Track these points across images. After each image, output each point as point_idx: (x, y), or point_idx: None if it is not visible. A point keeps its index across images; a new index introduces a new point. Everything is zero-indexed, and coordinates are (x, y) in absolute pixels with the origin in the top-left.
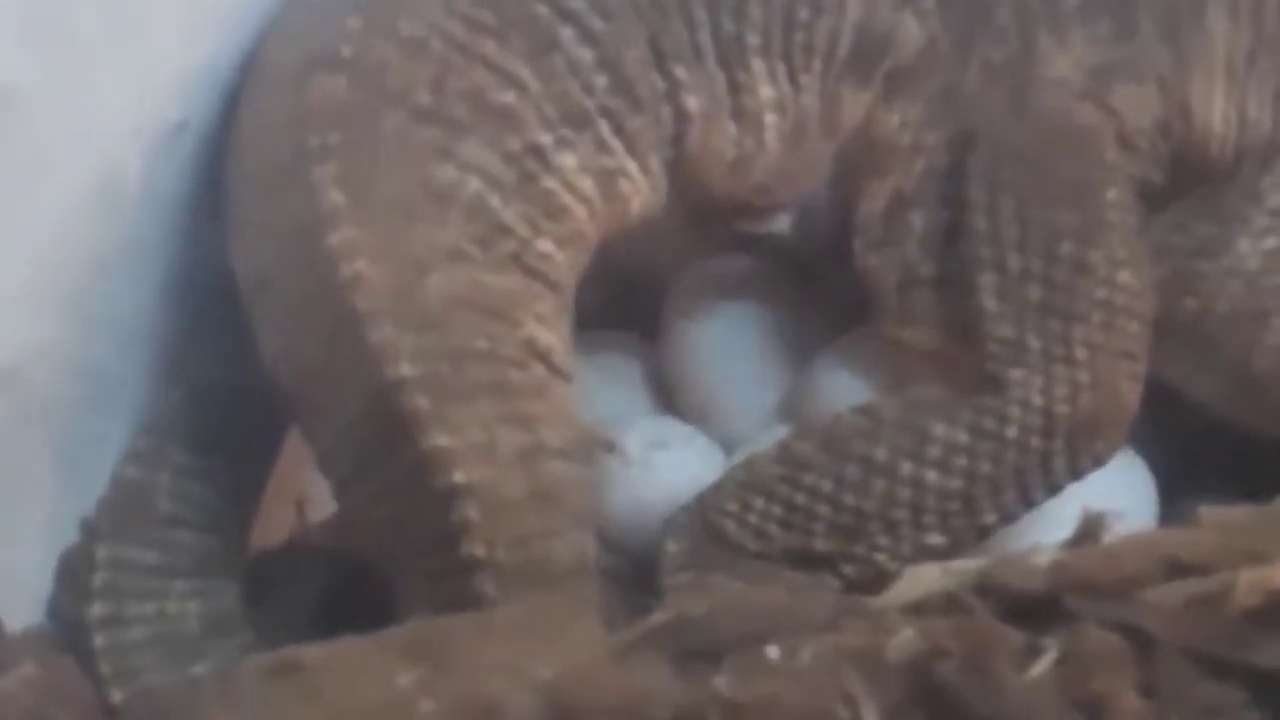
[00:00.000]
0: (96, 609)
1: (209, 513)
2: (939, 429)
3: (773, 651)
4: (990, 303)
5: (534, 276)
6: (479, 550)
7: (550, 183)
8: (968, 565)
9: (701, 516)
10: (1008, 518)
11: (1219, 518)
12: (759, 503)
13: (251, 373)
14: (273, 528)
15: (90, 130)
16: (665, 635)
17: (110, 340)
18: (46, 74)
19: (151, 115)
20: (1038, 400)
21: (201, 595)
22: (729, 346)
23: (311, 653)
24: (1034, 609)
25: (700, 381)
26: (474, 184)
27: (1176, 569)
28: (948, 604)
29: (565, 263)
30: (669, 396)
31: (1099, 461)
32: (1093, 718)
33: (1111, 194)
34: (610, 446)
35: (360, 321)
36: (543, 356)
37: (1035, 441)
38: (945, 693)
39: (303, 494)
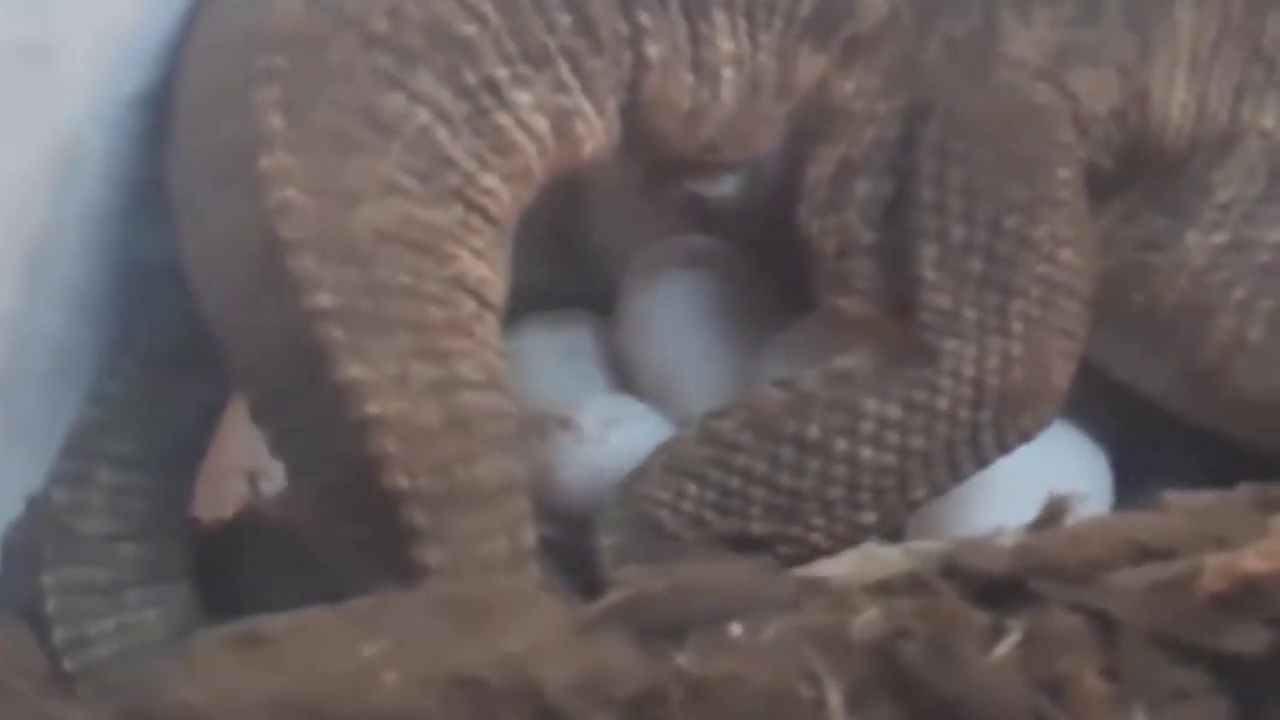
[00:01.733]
0: (58, 635)
1: (147, 521)
2: (870, 404)
3: (736, 629)
4: (929, 273)
5: (474, 210)
6: (401, 480)
7: (503, 119)
8: (932, 546)
9: (634, 507)
10: (937, 492)
11: (1184, 502)
12: (691, 489)
13: (198, 345)
14: (224, 500)
15: (49, 99)
16: (627, 611)
17: (67, 310)
18: (4, 42)
19: (109, 85)
20: (969, 370)
21: (157, 602)
22: (685, 324)
23: (273, 624)
24: (998, 591)
25: (656, 359)
26: (422, 116)
27: (1142, 553)
28: (912, 585)
29: (509, 199)
30: (625, 375)
31: (1025, 437)
32: (1056, 700)
33: (1062, 173)
34: (565, 423)
35: (283, 250)
36: (474, 290)
37: (964, 413)
38: (909, 673)
39: (255, 466)
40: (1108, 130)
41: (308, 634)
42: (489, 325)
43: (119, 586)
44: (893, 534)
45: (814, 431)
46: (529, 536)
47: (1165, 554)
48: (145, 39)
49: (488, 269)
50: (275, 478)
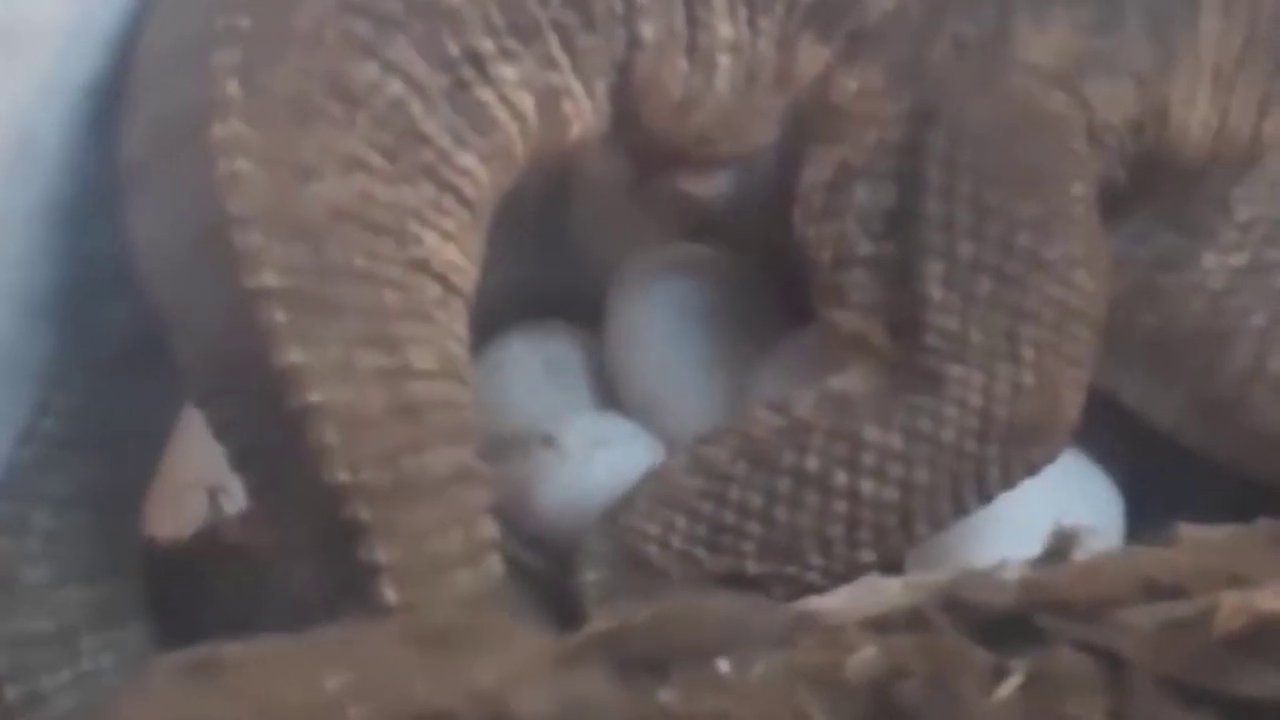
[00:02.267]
0: (10, 693)
1: (93, 563)
2: (872, 433)
3: (723, 665)
4: (934, 291)
5: (447, 190)
6: (342, 474)
7: (485, 94)
8: (932, 579)
9: (620, 541)
10: (938, 528)
11: (1199, 537)
12: (681, 523)
13: (151, 351)
14: (183, 517)
15: (10, 86)
16: (608, 643)
17: (13, 314)
18: None
19: (62, 75)
20: (976, 400)
21: (111, 646)
22: (675, 339)
23: (232, 651)
24: (1002, 628)
25: (644, 376)
26: (395, 87)
27: (1153, 589)
28: (911, 620)
29: (487, 181)
30: (612, 391)
31: (1033, 470)
32: None
33: (1076, 188)
34: (547, 442)
35: (230, 224)
36: (439, 275)
37: (970, 446)
38: (907, 714)
39: (216, 482)
40: (1122, 142)
41: (268, 663)
42: (454, 312)
43: (70, 635)
44: (892, 565)
45: (813, 463)
46: (487, 529)
47: (1178, 591)
48: (110, 26)
49: (457, 253)
50: (237, 494)
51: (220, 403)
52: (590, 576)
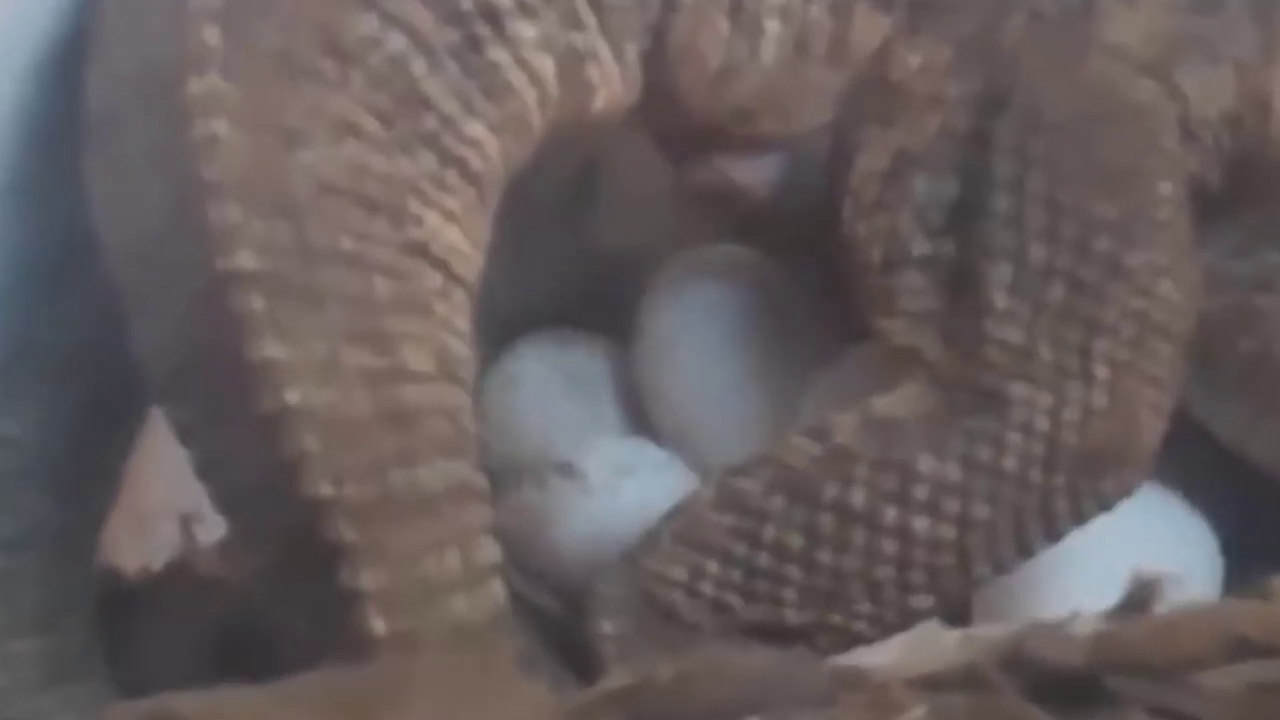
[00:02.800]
0: None
1: (43, 612)
2: (925, 463)
3: None
4: (999, 299)
5: (452, 163)
6: (323, 487)
7: (499, 54)
8: (993, 633)
9: (642, 588)
10: (1001, 570)
11: None
12: (712, 566)
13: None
14: (152, 548)
15: None
16: (625, 703)
17: None
18: None
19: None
20: (1042, 424)
21: (69, 705)
22: (714, 354)
23: (189, 703)
24: (1070, 689)
25: (678, 396)
26: (396, 42)
27: (1241, 648)
28: (967, 679)
29: (498, 154)
30: (641, 412)
31: (1106, 505)
32: None
33: (1164, 187)
34: (567, 470)
35: (203, 193)
36: (440, 260)
37: (1035, 476)
38: None
39: (189, 509)
40: (1218, 138)
41: (227, 714)
42: (455, 303)
43: (19, 691)
44: (956, 613)
45: (858, 497)
46: (488, 551)
47: (1270, 651)
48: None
49: (460, 236)
50: (213, 521)
51: (185, 401)
52: (607, 628)
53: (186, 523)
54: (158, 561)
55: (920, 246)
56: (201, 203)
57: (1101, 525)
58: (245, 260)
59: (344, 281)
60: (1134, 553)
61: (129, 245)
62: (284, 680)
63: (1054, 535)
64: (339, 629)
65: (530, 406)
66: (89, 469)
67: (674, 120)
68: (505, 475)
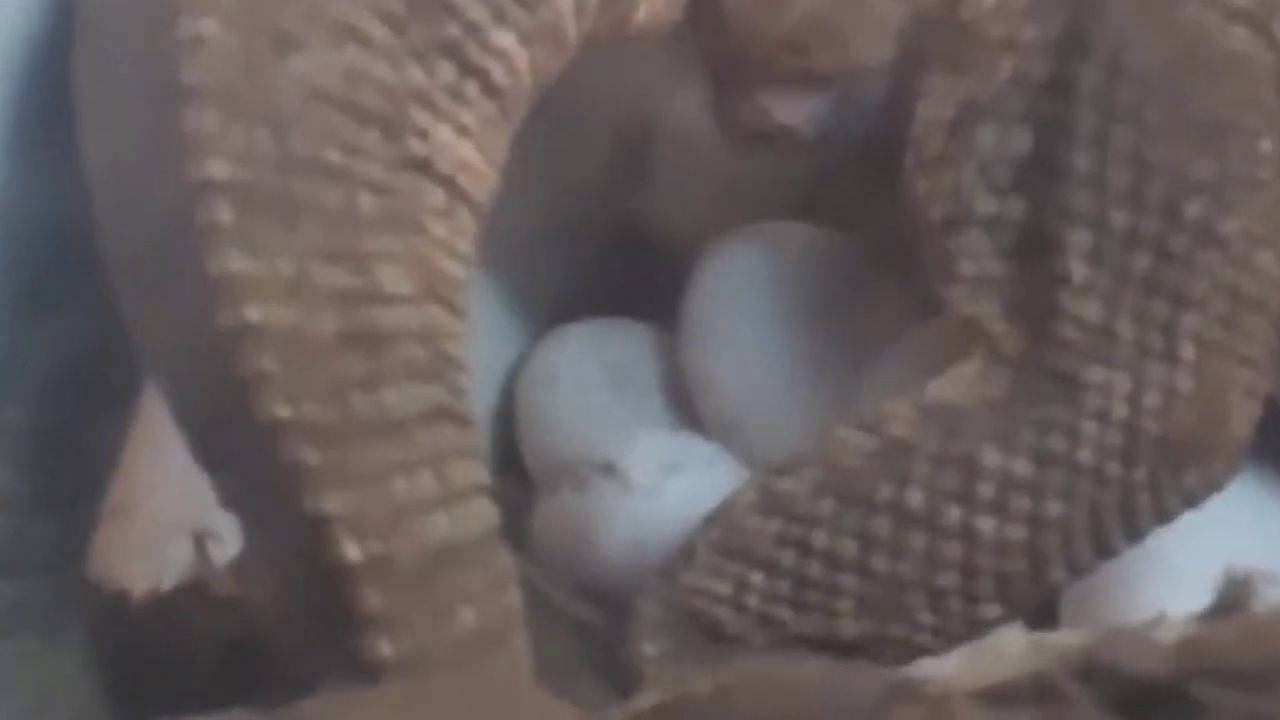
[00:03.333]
0: None
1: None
2: (991, 457)
3: None
4: (1077, 269)
5: (471, 75)
6: (280, 408)
7: None
8: (1067, 639)
9: (683, 606)
10: (1077, 574)
11: None
12: (758, 579)
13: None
14: (163, 566)
15: None
16: None
17: None
18: None
19: None
20: (1120, 411)
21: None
22: (767, 340)
23: None
24: (1153, 699)
25: (728, 385)
26: None
27: None
28: (1038, 690)
29: (525, 67)
30: (689, 405)
31: (1192, 501)
32: None
33: (1264, 145)
34: (609, 469)
35: (182, 97)
36: (446, 177)
37: (1114, 469)
38: None
39: (203, 525)
40: None
41: None
42: (458, 223)
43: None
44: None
45: (916, 497)
46: (468, 471)
47: None
48: None
49: (474, 152)
50: (229, 539)
51: (148, 315)
52: (649, 650)
53: (200, 540)
54: (169, 581)
55: (985, 204)
56: (180, 106)
57: (1191, 520)
58: (217, 170)
59: (323, 196)
60: (1227, 549)
61: (106, 154)
62: (291, 706)
63: (1135, 534)
64: (312, 566)
65: (570, 402)
66: (83, 494)
67: (720, 44)
68: (543, 477)
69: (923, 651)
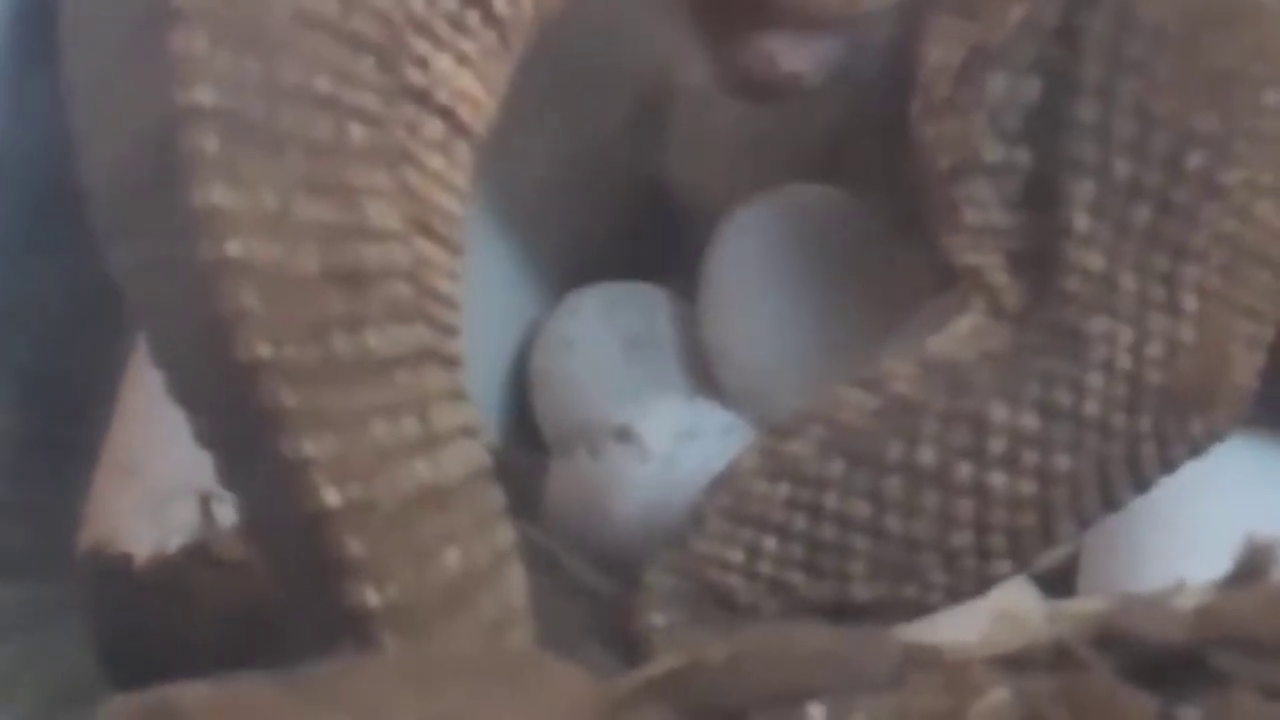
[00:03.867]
0: None
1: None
2: (999, 412)
3: (816, 713)
4: (1081, 220)
5: (473, 2)
6: (260, 347)
7: None
8: (1085, 606)
9: (694, 574)
10: (1084, 525)
11: None
12: (770, 544)
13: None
14: (169, 528)
15: None
16: (674, 687)
17: None
18: None
19: None
20: (1124, 362)
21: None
22: (786, 306)
23: (194, 695)
24: (1171, 666)
25: (746, 352)
26: None
27: None
28: (1056, 657)
29: None
30: (707, 372)
31: (1196, 450)
32: None
33: (1271, 97)
34: (624, 435)
35: (169, 18)
36: (444, 108)
37: (1119, 420)
38: None
39: (209, 488)
40: None
41: (235, 710)
42: (456, 156)
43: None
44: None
45: (927, 454)
46: (456, 414)
47: None
48: None
49: (473, 81)
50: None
51: (126, 247)
52: (659, 620)
53: (205, 503)
54: (173, 545)
55: (992, 153)
56: (166, 29)
57: (1207, 486)
58: (204, 96)
59: (311, 126)
60: (1243, 515)
61: (88, 78)
62: (297, 672)
63: (1141, 484)
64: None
65: (586, 368)
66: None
67: None
68: (558, 442)
69: (933, 611)
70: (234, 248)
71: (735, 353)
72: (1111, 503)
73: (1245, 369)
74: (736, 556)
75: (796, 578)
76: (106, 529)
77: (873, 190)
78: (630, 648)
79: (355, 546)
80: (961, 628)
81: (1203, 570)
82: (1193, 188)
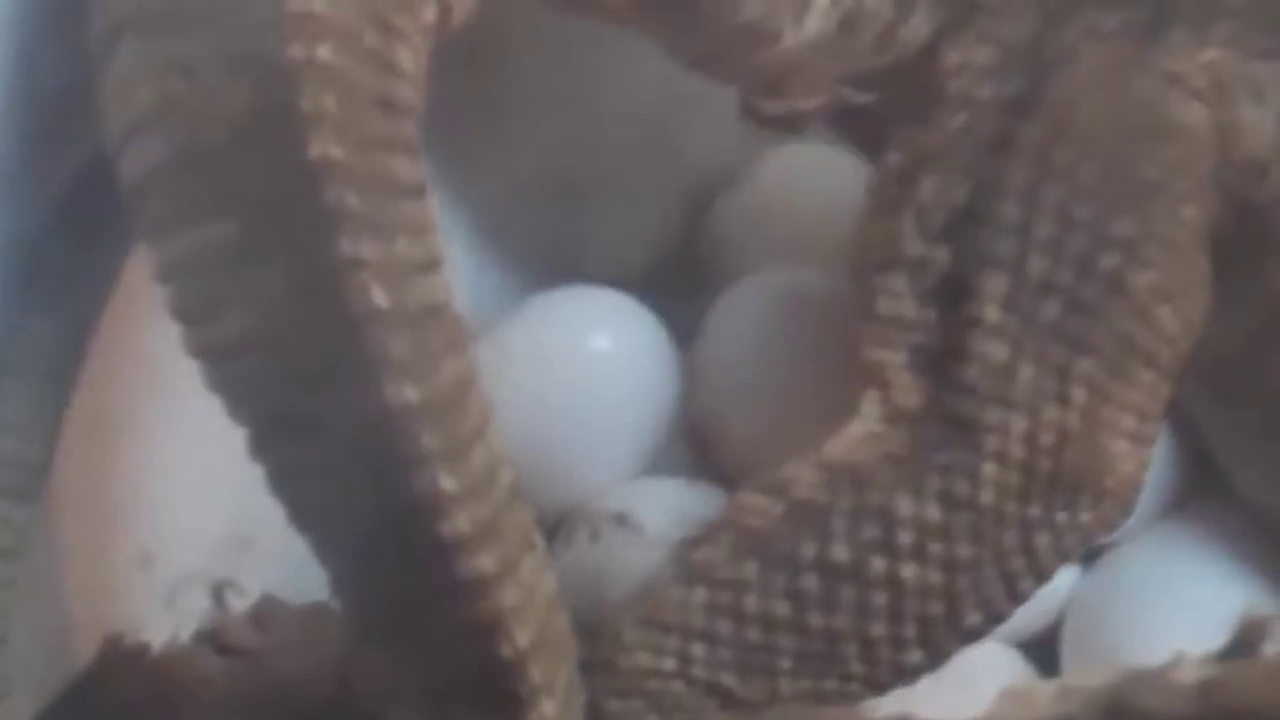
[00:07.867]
0: None
1: None
2: (905, 505)
3: None
4: (991, 312)
5: None
6: (332, 148)
7: None
8: (1092, 683)
9: (637, 688)
10: (993, 618)
11: None
12: (698, 650)
13: None
14: (180, 615)
15: None
16: None
17: None
18: None
19: None
20: (1017, 451)
21: None
22: (782, 388)
23: None
24: None
25: (743, 434)
26: None
27: None
28: None
29: None
30: (703, 446)
31: (1087, 539)
32: None
33: (1188, 211)
34: (621, 519)
35: None
36: None
37: (1011, 508)
38: None
39: (222, 575)
40: (1243, 184)
41: None
42: None
43: None
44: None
45: (841, 551)
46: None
47: None
48: None
49: None
50: (248, 589)
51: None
52: None
53: (219, 590)
54: (186, 632)
55: (913, 248)
56: None
57: (1204, 562)
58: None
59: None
60: (1239, 589)
61: None
62: None
63: (1040, 573)
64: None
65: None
66: None
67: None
68: (559, 529)
69: (849, 699)
70: (324, 51)
71: (730, 433)
72: (1015, 593)
73: (1130, 463)
74: (670, 665)
75: (728, 679)
76: (124, 620)
77: None
78: None
79: (395, 346)
80: (968, 705)
81: (1177, 641)
82: (1101, 286)
